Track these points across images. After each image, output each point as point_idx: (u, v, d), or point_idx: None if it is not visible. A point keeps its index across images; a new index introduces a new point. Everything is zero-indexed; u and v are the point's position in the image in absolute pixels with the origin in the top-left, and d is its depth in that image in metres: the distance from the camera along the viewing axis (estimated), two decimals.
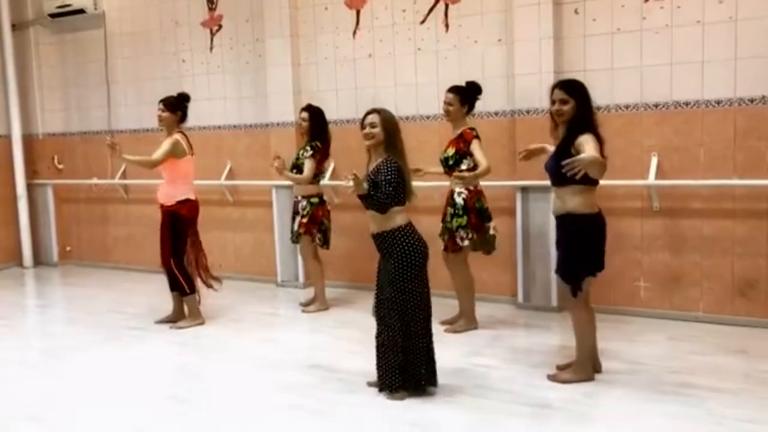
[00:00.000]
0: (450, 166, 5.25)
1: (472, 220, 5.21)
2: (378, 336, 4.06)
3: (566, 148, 4.02)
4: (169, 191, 5.65)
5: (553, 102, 4.13)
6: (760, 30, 5.04)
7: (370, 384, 4.21)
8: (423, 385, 4.07)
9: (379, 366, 4.09)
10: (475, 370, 4.52)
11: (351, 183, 3.87)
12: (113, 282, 7.83)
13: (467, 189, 5.21)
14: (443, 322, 5.45)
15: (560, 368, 4.34)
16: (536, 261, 5.86)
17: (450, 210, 5.27)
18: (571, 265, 4.11)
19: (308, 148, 5.95)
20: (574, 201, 4.04)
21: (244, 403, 4.12)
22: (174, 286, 5.76)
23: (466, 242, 5.24)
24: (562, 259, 4.19)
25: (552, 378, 4.24)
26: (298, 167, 5.96)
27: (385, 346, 4.03)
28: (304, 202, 5.98)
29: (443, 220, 5.32)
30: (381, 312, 4.04)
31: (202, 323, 5.79)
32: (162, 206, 5.69)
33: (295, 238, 6.10)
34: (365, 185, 3.91)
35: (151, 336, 5.60)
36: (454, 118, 5.31)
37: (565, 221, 4.11)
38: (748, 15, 5.07)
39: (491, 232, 5.32)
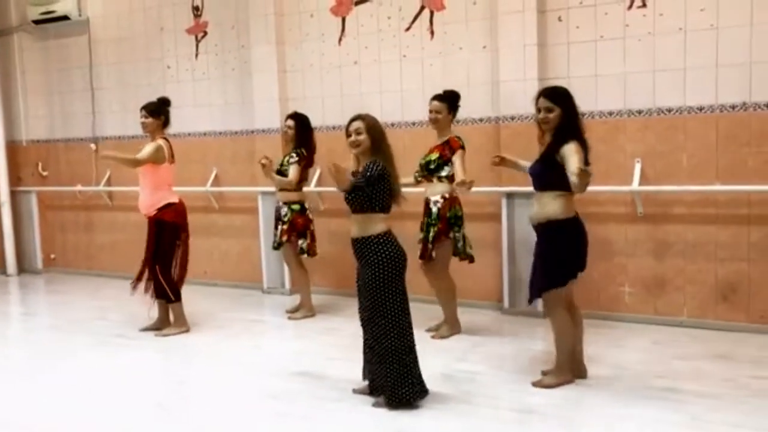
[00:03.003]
0: (430, 170, 5.24)
1: (441, 227, 5.20)
2: (380, 349, 3.95)
3: (551, 154, 4.05)
4: (149, 200, 5.61)
5: (538, 110, 4.14)
6: (740, 38, 5.10)
7: (355, 391, 4.21)
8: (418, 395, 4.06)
9: (388, 377, 3.96)
10: (460, 377, 4.53)
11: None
12: (98, 289, 7.78)
13: (443, 197, 5.21)
14: (429, 330, 5.46)
15: (545, 373, 4.36)
16: (522, 267, 5.87)
17: (427, 219, 5.27)
18: (548, 272, 4.14)
19: (294, 154, 5.96)
20: (553, 206, 4.07)
21: (230, 410, 4.10)
22: (159, 294, 5.72)
23: (434, 252, 5.27)
24: (538, 265, 4.18)
25: (536, 384, 4.25)
26: (281, 173, 5.96)
27: (390, 356, 3.94)
28: (285, 209, 5.98)
29: (421, 230, 5.32)
30: (374, 325, 3.97)
31: (187, 331, 5.77)
32: (147, 216, 5.65)
33: (277, 245, 6.09)
34: (352, 179, 3.88)
35: (136, 343, 5.57)
36: (442, 126, 5.33)
37: (546, 228, 4.13)
38: (729, 23, 5.13)
39: (457, 237, 5.30)
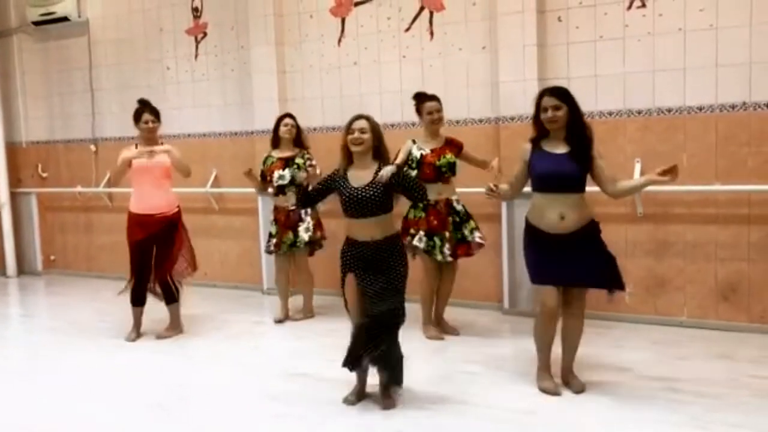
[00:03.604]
0: (454, 170, 5.26)
1: (473, 221, 5.39)
2: (394, 351, 4.02)
3: (587, 155, 4.02)
4: (168, 199, 5.59)
5: (545, 109, 4.03)
6: (740, 38, 5.10)
7: (347, 401, 4.17)
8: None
9: (388, 365, 4.04)
10: (459, 377, 4.53)
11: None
12: (98, 291, 7.76)
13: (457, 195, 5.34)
14: (444, 331, 5.47)
15: (571, 380, 4.23)
16: (522, 267, 5.83)
17: (454, 218, 5.27)
18: (617, 268, 4.12)
19: (308, 156, 5.97)
20: (588, 207, 4.06)
21: (230, 411, 4.10)
22: (140, 302, 5.68)
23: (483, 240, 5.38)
24: (608, 266, 4.09)
25: (581, 391, 4.14)
26: (297, 178, 5.94)
27: (392, 348, 4.03)
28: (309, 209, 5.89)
29: (442, 230, 5.21)
30: (394, 325, 3.99)
31: (181, 332, 5.77)
32: (164, 216, 5.53)
33: (304, 245, 6.01)
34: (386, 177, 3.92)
35: (135, 345, 5.57)
36: (441, 125, 5.35)
37: (592, 229, 4.05)
38: (728, 23, 5.13)
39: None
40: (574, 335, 4.21)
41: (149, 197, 5.52)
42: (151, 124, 5.55)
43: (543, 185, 4.07)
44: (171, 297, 5.70)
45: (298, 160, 5.95)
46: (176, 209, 5.61)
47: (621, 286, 4.13)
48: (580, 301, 4.16)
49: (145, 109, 5.60)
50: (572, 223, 3.99)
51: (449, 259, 5.25)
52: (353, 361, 4.03)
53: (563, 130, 4.05)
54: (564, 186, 4.01)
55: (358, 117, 4.03)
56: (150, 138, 5.59)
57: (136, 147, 5.55)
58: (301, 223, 5.96)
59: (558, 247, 4.01)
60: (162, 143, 5.66)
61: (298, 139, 6.03)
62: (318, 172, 5.87)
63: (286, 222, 5.96)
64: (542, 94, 4.10)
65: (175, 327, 5.77)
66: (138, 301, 5.66)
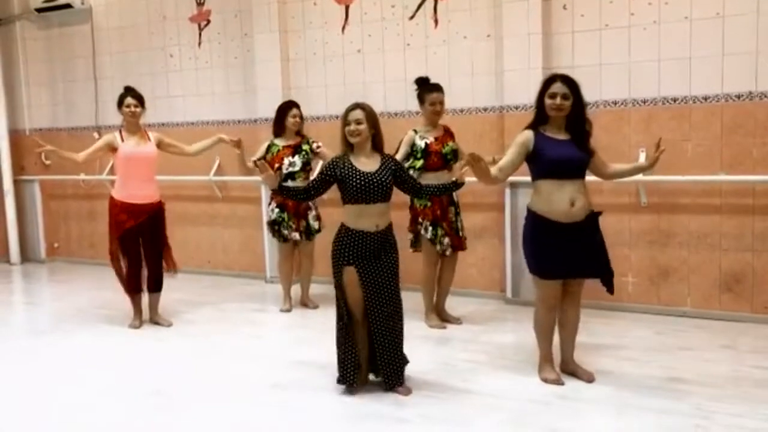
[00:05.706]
0: (457, 157, 5.19)
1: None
2: (392, 332, 4.04)
3: (586, 142, 4.03)
4: (156, 186, 5.63)
5: (553, 95, 3.94)
6: (746, 26, 5.07)
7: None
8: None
9: (396, 360, 4.09)
10: (462, 366, 4.53)
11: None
12: (101, 279, 7.75)
13: None
14: (446, 320, 5.48)
15: (577, 369, 4.24)
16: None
17: (454, 208, 5.32)
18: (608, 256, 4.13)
19: (313, 139, 5.97)
20: (587, 194, 4.03)
21: (231, 398, 4.11)
22: (138, 289, 5.69)
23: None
24: (605, 255, 4.09)
25: (593, 379, 4.15)
26: (308, 164, 5.93)
27: (398, 339, 4.08)
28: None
29: (443, 221, 5.23)
30: (389, 309, 4.02)
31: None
32: (153, 204, 5.57)
33: (315, 233, 6.06)
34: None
35: (138, 332, 5.58)
36: (442, 116, 5.33)
37: (594, 219, 4.03)
38: (734, 11, 5.09)
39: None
40: (575, 324, 4.21)
41: (141, 186, 5.51)
42: (133, 108, 5.49)
43: (556, 171, 3.95)
44: (160, 284, 5.73)
45: (305, 147, 5.94)
46: (159, 197, 5.63)
47: (611, 273, 4.13)
48: (580, 290, 4.17)
49: (128, 94, 5.55)
50: (581, 210, 3.95)
51: (448, 252, 5.26)
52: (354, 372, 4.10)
53: (564, 120, 4.01)
54: (575, 172, 3.98)
55: (354, 107, 3.99)
56: (133, 123, 5.53)
57: (120, 133, 5.52)
58: (309, 212, 6.00)
59: (567, 238, 3.94)
60: (146, 131, 5.64)
61: (301, 129, 6.02)
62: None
63: (298, 209, 5.96)
64: (553, 79, 4.01)
65: (162, 315, 5.80)
66: (136, 288, 5.65)
